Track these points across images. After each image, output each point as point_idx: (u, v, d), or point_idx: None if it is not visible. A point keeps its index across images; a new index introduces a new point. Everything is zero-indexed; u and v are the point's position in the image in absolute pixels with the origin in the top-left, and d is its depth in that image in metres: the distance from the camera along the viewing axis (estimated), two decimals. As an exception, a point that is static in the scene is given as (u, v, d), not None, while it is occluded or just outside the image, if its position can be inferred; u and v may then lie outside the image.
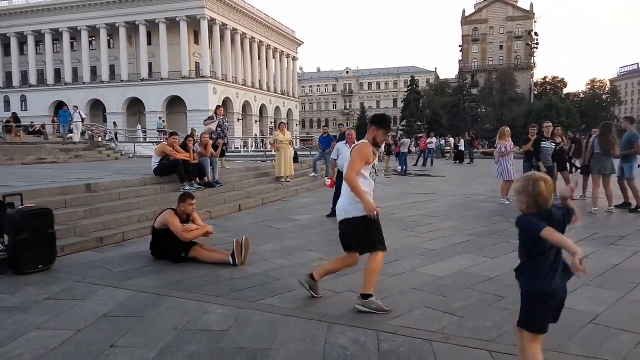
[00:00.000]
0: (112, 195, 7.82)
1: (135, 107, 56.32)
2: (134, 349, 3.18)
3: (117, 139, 31.19)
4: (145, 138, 36.96)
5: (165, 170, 8.96)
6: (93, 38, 57.89)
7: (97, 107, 57.09)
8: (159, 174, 8.97)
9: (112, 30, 55.77)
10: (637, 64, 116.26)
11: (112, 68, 57.30)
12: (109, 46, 56.77)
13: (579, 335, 3.36)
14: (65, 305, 4.03)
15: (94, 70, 57.89)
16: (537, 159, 9.34)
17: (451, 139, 34.36)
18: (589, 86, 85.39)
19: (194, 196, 5.78)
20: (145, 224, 7.01)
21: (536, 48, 57.79)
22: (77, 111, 23.13)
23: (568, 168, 10.59)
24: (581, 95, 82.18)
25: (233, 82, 58.03)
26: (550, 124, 9.71)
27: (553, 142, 9.28)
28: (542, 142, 9.26)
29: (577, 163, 12.05)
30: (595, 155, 8.99)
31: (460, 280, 4.67)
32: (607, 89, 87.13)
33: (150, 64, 55.74)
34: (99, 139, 27.06)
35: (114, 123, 44.89)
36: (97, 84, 56.88)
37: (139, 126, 42.40)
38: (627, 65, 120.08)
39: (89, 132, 28.06)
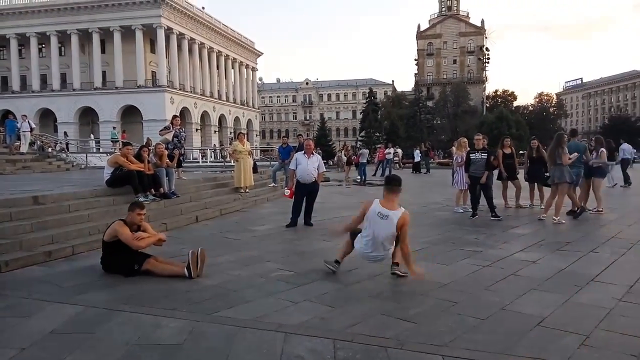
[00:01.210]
0: (62, 208, 7.52)
1: (88, 116, 54.52)
2: (83, 366, 3.06)
3: (68, 150, 30.05)
4: (99, 149, 35.82)
5: (118, 182, 8.70)
6: (43, 45, 55.84)
7: (47, 117, 54.88)
8: (112, 186, 8.71)
9: (64, 38, 53.98)
10: (581, 79, 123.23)
11: (63, 76, 55.36)
12: (60, 54, 54.92)
13: (527, 338, 3.48)
14: (10, 323, 3.84)
15: (44, 79, 55.71)
16: (465, 170, 9.68)
17: (399, 150, 34.36)
18: (537, 100, 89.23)
19: (144, 206, 5.65)
20: (97, 237, 6.75)
21: (487, 63, 59.97)
22: (26, 120, 22.11)
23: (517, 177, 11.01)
24: (530, 108, 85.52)
25: (191, 92, 57.23)
26: (481, 137, 9.90)
27: (483, 154, 9.45)
28: (472, 155, 9.50)
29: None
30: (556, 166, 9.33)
31: (415, 287, 4.76)
32: (554, 102, 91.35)
33: (104, 73, 54.25)
34: (49, 149, 25.96)
35: (65, 133, 43.22)
36: (48, 92, 54.71)
37: (91, 136, 40.98)
38: (571, 80, 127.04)
39: (39, 142, 26.86)
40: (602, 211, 9.80)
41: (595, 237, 7.56)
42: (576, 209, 9.43)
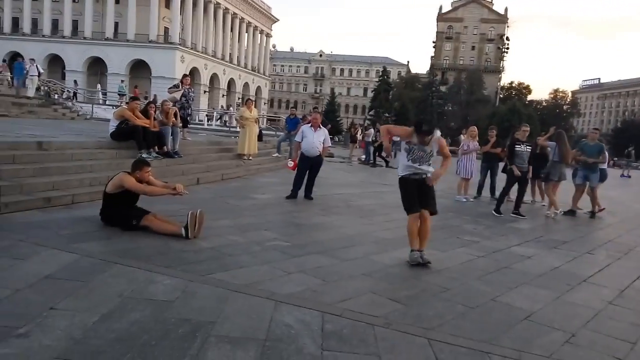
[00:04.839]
0: (65, 156, 7.52)
1: (96, 67, 54.04)
2: (75, 312, 3.10)
3: (76, 99, 29.91)
4: (105, 100, 35.65)
5: (123, 136, 8.68)
6: (57, -11, 54.93)
7: (56, 63, 54.36)
8: (116, 139, 8.69)
9: (78, -16, 53.06)
10: (599, 79, 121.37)
11: (75, 24, 54.60)
12: (73, 0, 54.02)
13: (513, 330, 3.52)
14: (5, 263, 3.88)
15: (55, 24, 55.01)
16: (511, 163, 8.88)
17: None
18: (552, 96, 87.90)
19: (149, 163, 5.68)
20: (98, 188, 6.76)
21: (506, 53, 59.28)
22: (34, 64, 21.95)
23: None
24: (544, 104, 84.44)
25: (202, 52, 56.57)
26: (528, 128, 9.29)
27: (528, 147, 8.95)
28: (517, 146, 8.89)
29: None
30: (553, 163, 9.30)
31: (408, 270, 4.79)
32: (568, 100, 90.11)
33: (116, 24, 53.54)
34: (56, 96, 25.87)
35: (75, 82, 42.77)
36: (58, 38, 54.11)
37: (99, 87, 40.69)
38: (589, 80, 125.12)
39: (46, 88, 26.74)
40: (603, 209, 9.84)
41: (592, 239, 7.57)
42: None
